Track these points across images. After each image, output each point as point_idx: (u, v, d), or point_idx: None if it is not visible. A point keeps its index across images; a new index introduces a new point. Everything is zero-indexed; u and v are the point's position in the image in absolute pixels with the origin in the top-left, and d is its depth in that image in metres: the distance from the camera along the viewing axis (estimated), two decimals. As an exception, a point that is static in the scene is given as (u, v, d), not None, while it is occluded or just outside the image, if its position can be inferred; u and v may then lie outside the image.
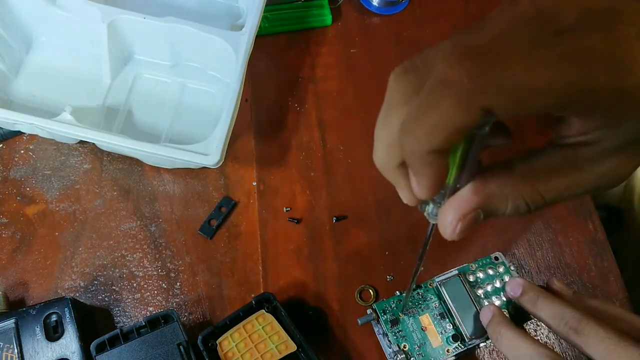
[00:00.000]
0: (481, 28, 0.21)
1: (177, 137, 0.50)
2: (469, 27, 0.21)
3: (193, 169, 0.50)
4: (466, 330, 0.40)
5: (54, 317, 0.40)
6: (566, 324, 0.32)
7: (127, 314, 0.45)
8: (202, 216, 0.48)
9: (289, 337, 0.40)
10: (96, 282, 0.46)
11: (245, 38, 0.47)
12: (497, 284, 0.43)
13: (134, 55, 0.53)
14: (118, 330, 0.39)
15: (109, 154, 0.50)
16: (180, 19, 0.48)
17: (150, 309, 0.45)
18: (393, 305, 0.42)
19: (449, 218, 0.24)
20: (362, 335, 0.44)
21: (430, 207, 0.26)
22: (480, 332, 0.40)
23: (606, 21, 0.19)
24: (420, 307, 0.42)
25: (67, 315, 0.40)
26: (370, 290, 0.46)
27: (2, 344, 0.39)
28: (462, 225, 0.24)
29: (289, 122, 0.53)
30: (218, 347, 0.40)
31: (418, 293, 0.43)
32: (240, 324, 0.41)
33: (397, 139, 0.22)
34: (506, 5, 0.21)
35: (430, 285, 0.43)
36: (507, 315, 0.39)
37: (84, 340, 0.40)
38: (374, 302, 0.45)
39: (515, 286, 0.38)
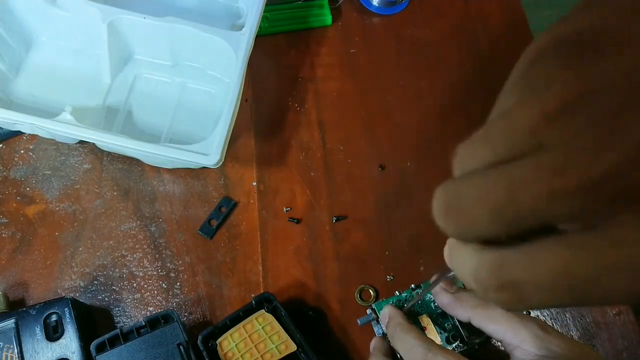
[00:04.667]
0: None
1: (177, 137, 0.50)
2: None
3: (193, 169, 0.50)
4: (465, 329, 0.40)
5: (54, 317, 0.40)
6: (415, 358, 0.34)
7: (127, 314, 0.45)
8: (202, 216, 0.48)
9: (289, 337, 0.40)
10: (96, 282, 0.46)
11: (245, 38, 0.47)
12: (497, 284, 0.43)
13: (134, 55, 0.53)
14: (118, 330, 0.39)
15: (109, 154, 0.50)
16: (180, 19, 0.48)
17: (150, 309, 0.45)
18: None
19: None
20: (362, 335, 0.44)
21: None
22: (479, 331, 0.40)
23: None
24: (419, 307, 0.42)
25: (67, 315, 0.40)
26: (370, 290, 0.46)
27: (2, 344, 0.39)
28: None
29: (289, 122, 0.53)
30: (218, 347, 0.40)
31: (417, 293, 0.43)
32: (240, 324, 0.41)
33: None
34: None
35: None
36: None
37: (84, 340, 0.40)
38: (374, 302, 0.45)
39: (383, 316, 0.41)
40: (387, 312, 0.40)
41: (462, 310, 0.38)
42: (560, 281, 0.15)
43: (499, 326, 0.35)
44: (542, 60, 0.15)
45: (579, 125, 0.13)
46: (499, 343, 0.43)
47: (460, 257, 0.17)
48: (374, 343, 0.41)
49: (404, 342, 0.36)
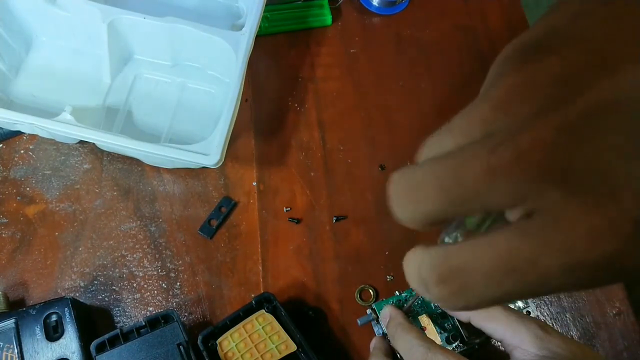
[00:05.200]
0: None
1: (177, 137, 0.50)
2: None
3: (193, 169, 0.50)
4: (465, 329, 0.40)
5: (54, 317, 0.40)
6: (416, 358, 0.34)
7: (127, 314, 0.45)
8: (202, 216, 0.48)
9: (289, 337, 0.40)
10: (96, 282, 0.46)
11: (245, 38, 0.47)
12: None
13: (134, 55, 0.53)
14: (118, 330, 0.39)
15: (109, 154, 0.50)
16: (180, 19, 0.48)
17: (150, 309, 0.45)
18: (393, 305, 0.42)
19: None
20: (362, 335, 0.44)
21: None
22: (479, 331, 0.40)
23: None
24: (419, 307, 0.42)
25: (67, 315, 0.40)
26: (370, 290, 0.46)
27: (2, 344, 0.39)
28: None
29: (289, 122, 0.53)
30: (218, 347, 0.40)
31: (417, 292, 0.43)
32: (240, 324, 0.41)
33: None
34: None
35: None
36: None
37: (84, 340, 0.40)
38: (374, 302, 0.45)
39: (384, 316, 0.41)
40: (387, 312, 0.40)
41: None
42: (499, 264, 0.15)
43: (499, 326, 0.35)
44: (502, 64, 0.17)
45: (516, 110, 0.15)
46: (499, 343, 0.43)
47: (408, 257, 0.19)
48: (374, 343, 0.41)
49: (405, 342, 0.36)
